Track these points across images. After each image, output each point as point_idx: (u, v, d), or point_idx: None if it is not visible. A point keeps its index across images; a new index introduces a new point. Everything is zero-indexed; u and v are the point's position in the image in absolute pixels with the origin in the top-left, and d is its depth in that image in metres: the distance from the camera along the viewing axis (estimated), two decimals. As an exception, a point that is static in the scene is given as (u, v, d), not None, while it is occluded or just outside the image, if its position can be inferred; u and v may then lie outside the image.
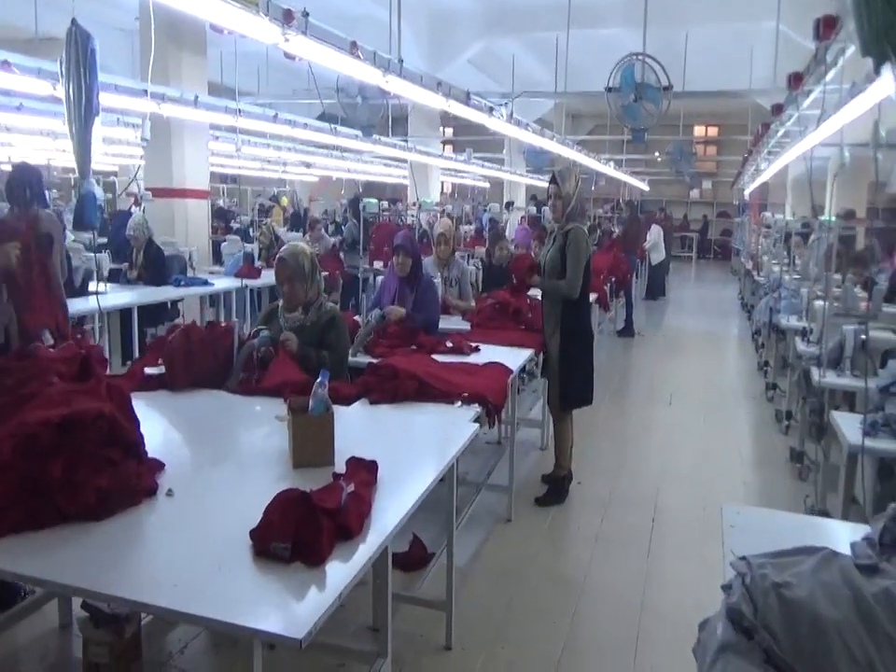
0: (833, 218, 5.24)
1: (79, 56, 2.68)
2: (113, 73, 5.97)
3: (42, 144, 8.51)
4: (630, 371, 7.46)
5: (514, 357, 3.58)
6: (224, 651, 2.60)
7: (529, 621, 2.84)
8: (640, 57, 6.27)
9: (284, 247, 3.23)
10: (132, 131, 7.46)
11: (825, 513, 3.10)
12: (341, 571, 1.46)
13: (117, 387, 1.82)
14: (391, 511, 1.75)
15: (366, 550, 1.55)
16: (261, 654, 1.34)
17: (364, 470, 1.85)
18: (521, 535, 3.56)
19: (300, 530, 1.49)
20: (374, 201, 6.25)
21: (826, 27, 3.09)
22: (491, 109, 6.47)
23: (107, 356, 4.51)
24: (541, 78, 12.19)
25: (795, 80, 4.87)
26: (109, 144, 8.80)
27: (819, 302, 4.48)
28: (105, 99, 3.36)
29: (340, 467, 1.94)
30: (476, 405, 2.72)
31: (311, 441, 1.98)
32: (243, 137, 9.42)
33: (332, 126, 7.86)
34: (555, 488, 3.95)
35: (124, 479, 1.68)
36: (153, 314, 5.70)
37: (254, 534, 1.53)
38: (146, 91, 5.14)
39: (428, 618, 2.72)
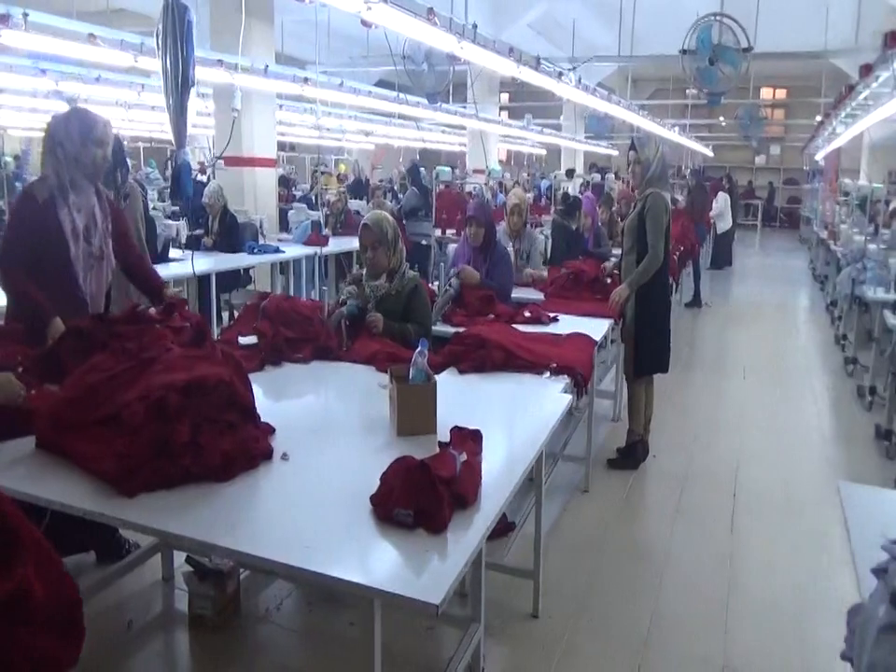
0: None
1: (176, 28, 2.71)
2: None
3: (116, 114, 8.70)
4: (700, 343, 7.30)
5: (593, 327, 3.54)
6: (317, 608, 2.70)
7: (613, 593, 2.84)
8: (718, 17, 6.02)
9: (367, 214, 3.25)
10: (201, 100, 7.56)
11: (921, 493, 3.00)
12: (463, 539, 1.48)
13: (232, 355, 1.87)
14: (499, 479, 1.76)
15: (483, 518, 1.57)
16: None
17: (470, 440, 1.86)
18: (599, 506, 3.55)
19: (420, 498, 1.52)
20: (447, 169, 6.19)
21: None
22: (560, 75, 6.32)
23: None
24: (602, 42, 11.80)
25: (892, 39, 4.61)
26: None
27: (912, 274, 4.29)
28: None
29: (439, 435, 1.97)
30: (564, 376, 2.71)
31: (414, 409, 2.00)
32: (304, 105, 9.46)
33: (397, 94, 7.80)
34: (627, 453, 3.95)
35: (244, 442, 1.73)
36: (227, 280, 5.83)
37: (375, 500, 1.56)
38: (220, 62, 5.18)
39: (512, 586, 2.75)
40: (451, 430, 1.92)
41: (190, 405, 1.67)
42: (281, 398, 2.42)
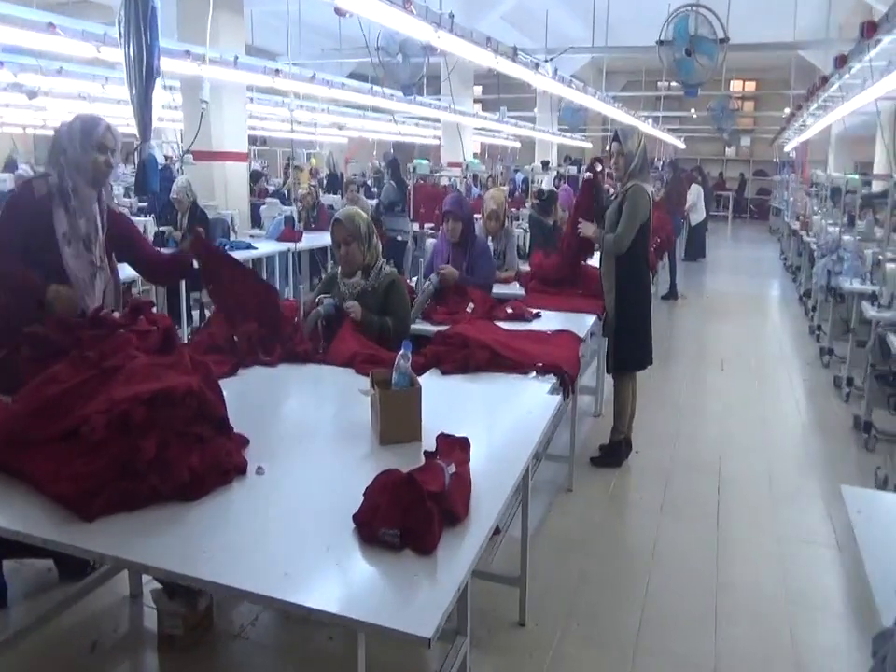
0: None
1: (139, 15, 2.55)
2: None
3: (79, 107, 8.42)
4: (678, 336, 7.28)
5: (578, 324, 3.47)
6: (293, 623, 2.58)
7: (601, 594, 2.77)
8: (694, 8, 5.98)
9: (339, 210, 3.14)
10: (168, 93, 7.33)
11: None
12: (454, 560, 1.38)
13: (202, 361, 1.74)
14: (489, 490, 1.67)
15: (475, 536, 1.47)
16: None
17: (458, 448, 1.76)
18: (583, 505, 3.48)
19: (407, 516, 1.41)
20: (426, 162, 6.06)
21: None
22: (536, 66, 6.22)
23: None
24: (575, 33, 11.74)
25: (868, 29, 4.59)
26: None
27: (891, 265, 4.28)
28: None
29: (424, 443, 1.87)
30: (551, 375, 2.62)
31: (398, 416, 1.90)
32: (277, 98, 9.25)
33: (371, 86, 7.64)
34: (611, 451, 3.89)
35: (215, 456, 1.61)
36: (197, 277, 5.64)
37: (359, 518, 1.45)
38: (188, 53, 5.00)
39: (498, 593, 2.66)
40: (437, 438, 1.82)
41: (157, 418, 1.54)
42: (254, 405, 2.27)
